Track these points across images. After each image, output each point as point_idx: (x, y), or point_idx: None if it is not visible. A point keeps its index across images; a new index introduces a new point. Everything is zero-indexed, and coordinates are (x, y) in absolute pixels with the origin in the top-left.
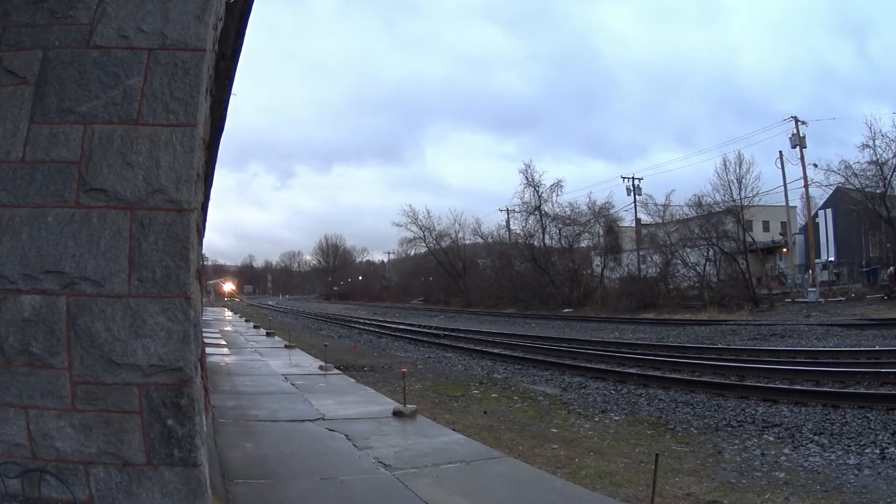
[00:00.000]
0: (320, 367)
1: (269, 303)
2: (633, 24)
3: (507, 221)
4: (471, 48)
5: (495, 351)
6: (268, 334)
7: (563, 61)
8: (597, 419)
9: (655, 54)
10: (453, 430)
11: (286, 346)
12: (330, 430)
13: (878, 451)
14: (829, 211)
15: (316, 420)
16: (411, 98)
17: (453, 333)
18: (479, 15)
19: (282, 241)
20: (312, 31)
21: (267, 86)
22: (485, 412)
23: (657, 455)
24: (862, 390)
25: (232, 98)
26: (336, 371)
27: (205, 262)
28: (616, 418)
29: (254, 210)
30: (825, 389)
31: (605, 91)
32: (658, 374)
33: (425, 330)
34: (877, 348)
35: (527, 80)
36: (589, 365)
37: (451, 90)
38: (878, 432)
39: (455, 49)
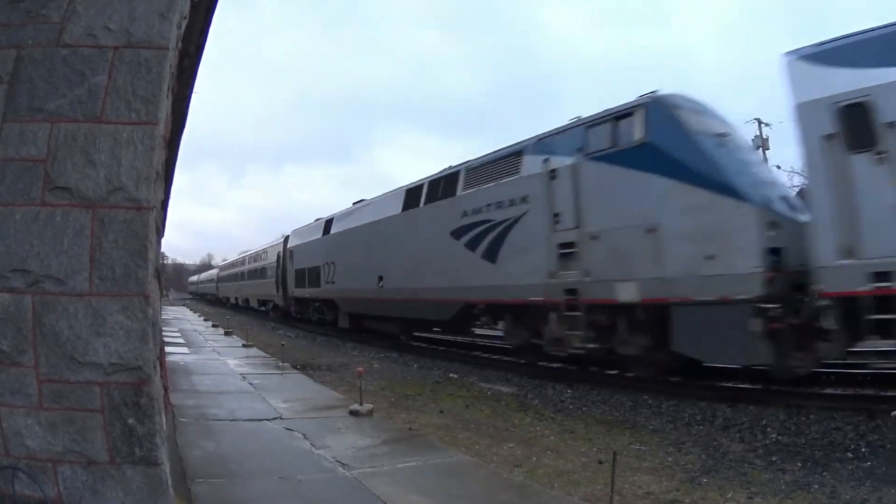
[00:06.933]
0: (278, 367)
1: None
2: (581, 26)
3: None
4: (417, 51)
5: (452, 350)
6: (226, 333)
7: (510, 64)
8: (553, 418)
9: (603, 56)
10: (410, 429)
11: (244, 346)
12: (288, 429)
13: (849, 455)
14: None
15: (274, 419)
16: (359, 100)
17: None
18: (425, 19)
19: (239, 240)
20: (261, 34)
21: (218, 86)
22: (441, 411)
23: (615, 453)
24: (829, 391)
25: (193, 96)
26: (293, 370)
27: (164, 261)
28: (573, 418)
29: (209, 209)
30: (788, 389)
31: (554, 92)
32: (615, 372)
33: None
34: None
35: (474, 82)
36: (546, 364)
37: (399, 92)
38: (845, 432)
39: (402, 52)
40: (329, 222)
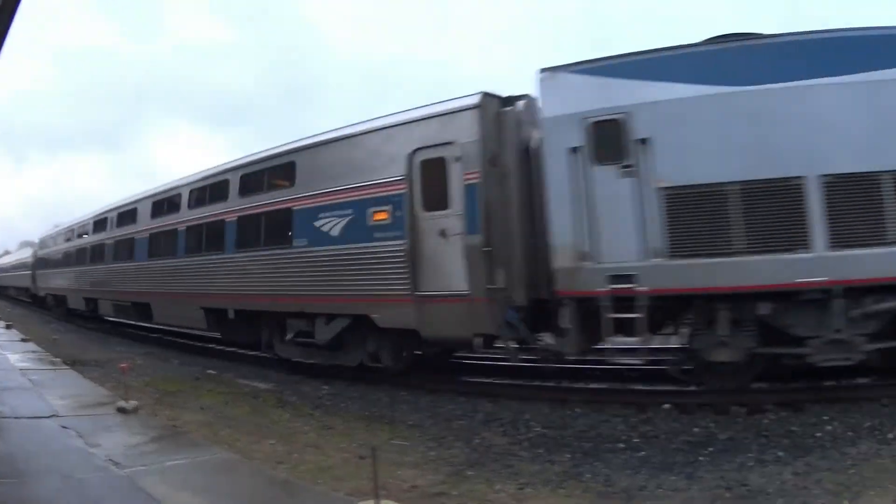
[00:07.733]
0: (52, 362)
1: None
2: (347, 27)
3: None
4: (193, 39)
5: (210, 346)
6: (7, 326)
7: (281, 58)
8: (312, 414)
9: (367, 57)
10: (174, 426)
11: (22, 340)
12: (64, 427)
13: (621, 445)
14: None
15: (51, 417)
16: (133, 86)
17: (172, 329)
18: (202, 6)
19: (18, 231)
20: (45, 17)
21: None
22: (202, 408)
23: (374, 448)
24: (593, 385)
25: None
26: (65, 366)
27: None
28: (331, 414)
29: None
30: (551, 385)
31: (321, 87)
32: (379, 365)
33: (146, 325)
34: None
35: (244, 74)
36: (303, 361)
37: (171, 81)
38: (614, 424)
39: (176, 40)
40: None
